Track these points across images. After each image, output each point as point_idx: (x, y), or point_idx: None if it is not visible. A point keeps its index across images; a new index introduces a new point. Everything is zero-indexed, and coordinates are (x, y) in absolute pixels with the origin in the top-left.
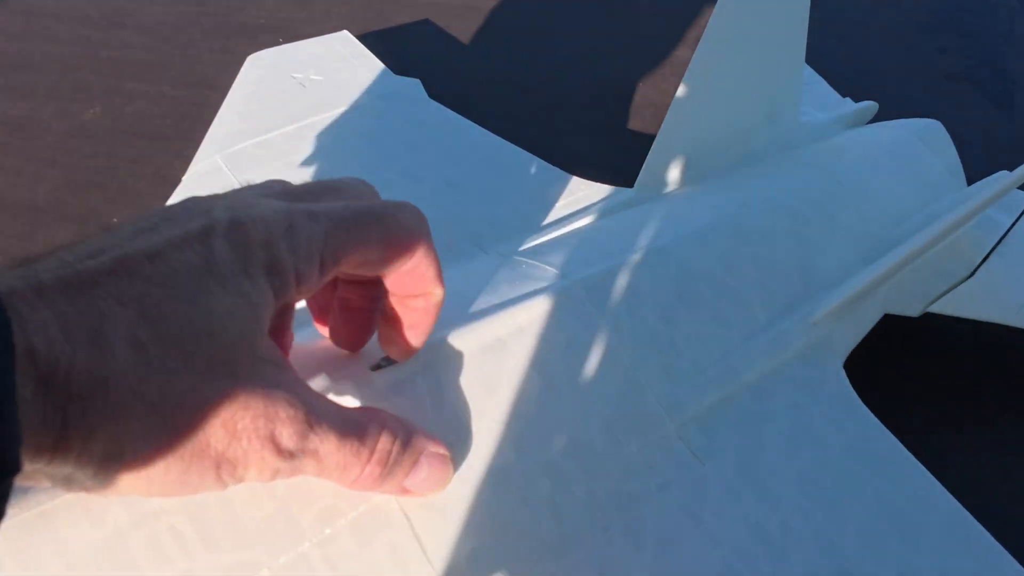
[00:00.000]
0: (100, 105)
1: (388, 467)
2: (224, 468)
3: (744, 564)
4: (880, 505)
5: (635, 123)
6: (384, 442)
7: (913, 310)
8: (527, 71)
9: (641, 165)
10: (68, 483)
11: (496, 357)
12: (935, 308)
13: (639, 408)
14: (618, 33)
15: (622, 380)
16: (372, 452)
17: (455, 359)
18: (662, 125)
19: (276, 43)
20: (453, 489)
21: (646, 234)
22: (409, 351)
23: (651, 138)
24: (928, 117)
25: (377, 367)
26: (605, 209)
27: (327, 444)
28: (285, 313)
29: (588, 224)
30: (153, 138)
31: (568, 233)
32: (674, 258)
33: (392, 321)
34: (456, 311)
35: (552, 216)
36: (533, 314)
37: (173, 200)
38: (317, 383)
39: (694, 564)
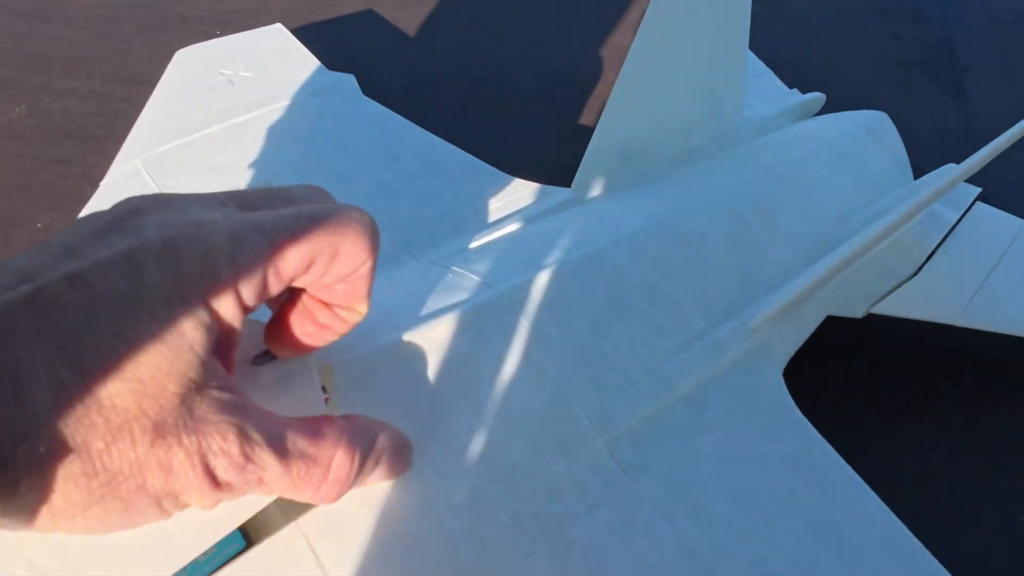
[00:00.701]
0: (27, 103)
1: (348, 484)
2: (166, 501)
3: None
4: (815, 521)
5: (585, 117)
6: (341, 462)
7: (856, 311)
8: (472, 64)
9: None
10: None
11: (413, 375)
12: (879, 309)
13: (567, 425)
14: (568, 22)
15: (549, 396)
16: (327, 471)
17: (368, 376)
18: (599, 122)
19: (213, 35)
20: (366, 517)
21: (578, 239)
22: (300, 352)
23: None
24: (878, 106)
25: (260, 360)
26: (541, 211)
27: (270, 471)
28: (231, 332)
29: (521, 228)
30: (82, 138)
31: (499, 238)
32: (607, 264)
33: (296, 321)
34: (374, 324)
35: (488, 218)
36: (453, 328)
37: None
38: None
39: None
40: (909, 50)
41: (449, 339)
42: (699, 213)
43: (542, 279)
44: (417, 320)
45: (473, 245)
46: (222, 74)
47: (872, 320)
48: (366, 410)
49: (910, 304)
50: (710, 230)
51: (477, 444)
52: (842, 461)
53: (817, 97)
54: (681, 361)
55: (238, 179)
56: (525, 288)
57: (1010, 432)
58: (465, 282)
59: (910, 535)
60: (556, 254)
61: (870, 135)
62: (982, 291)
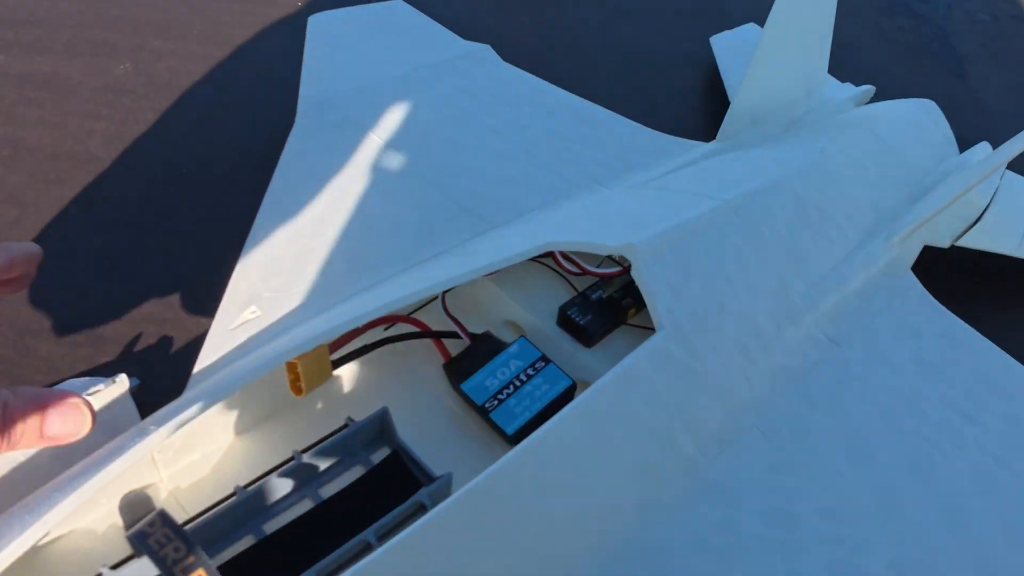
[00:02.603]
0: (129, 61)
1: None
2: None
3: (888, 416)
4: (975, 368)
5: (671, 83)
6: None
7: (944, 243)
8: (560, 37)
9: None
10: None
11: (686, 254)
12: (960, 242)
13: (787, 303)
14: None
15: (775, 281)
16: None
17: (668, 248)
18: (737, 94)
19: (295, 6)
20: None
21: (752, 172)
22: None
23: (682, 98)
24: (901, 86)
25: None
26: (700, 155)
27: None
28: None
29: (693, 165)
30: (194, 96)
31: (680, 171)
32: (787, 190)
33: None
34: (639, 217)
35: (651, 161)
36: (707, 224)
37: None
38: None
39: (855, 417)
40: (913, 41)
41: (702, 233)
42: (836, 158)
43: (745, 197)
44: (677, 225)
45: (661, 176)
46: (368, 38)
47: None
48: (669, 271)
49: (980, 239)
50: (846, 172)
51: (737, 309)
52: (977, 333)
53: (869, 89)
54: (849, 264)
55: (412, 127)
56: (738, 201)
57: None
58: (681, 196)
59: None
60: (743, 181)
61: (926, 115)
62: None
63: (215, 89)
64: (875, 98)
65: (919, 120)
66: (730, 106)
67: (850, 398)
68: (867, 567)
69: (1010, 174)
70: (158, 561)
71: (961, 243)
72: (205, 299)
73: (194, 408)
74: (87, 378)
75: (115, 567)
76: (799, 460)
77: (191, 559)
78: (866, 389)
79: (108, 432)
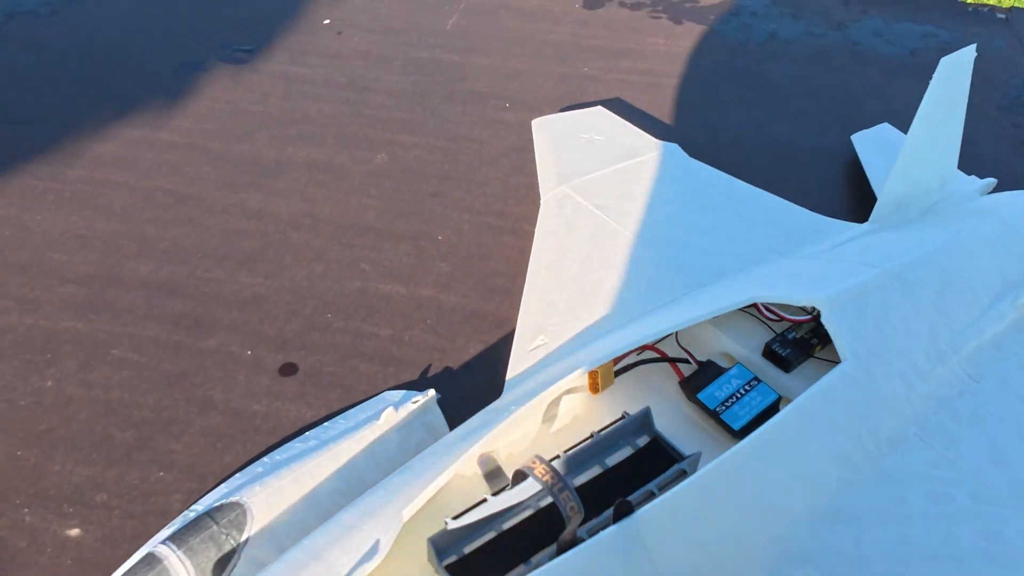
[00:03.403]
0: (384, 152)
1: None
2: None
3: (1018, 430)
4: None
5: (819, 172)
6: None
7: None
8: (724, 134)
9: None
10: None
11: (861, 306)
12: None
13: (936, 347)
14: (763, 107)
15: (927, 330)
16: None
17: (863, 299)
18: (886, 184)
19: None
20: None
21: (905, 247)
22: None
23: (829, 185)
24: (1014, 177)
25: None
26: (859, 234)
27: None
28: None
29: (855, 240)
30: (442, 178)
31: (845, 245)
32: (935, 261)
33: None
34: (821, 276)
35: (817, 237)
36: (876, 284)
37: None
38: None
39: (991, 431)
40: None
41: (871, 290)
42: (972, 238)
43: (902, 266)
44: (848, 281)
45: (826, 250)
46: (581, 136)
47: None
48: (850, 318)
49: None
50: (979, 249)
51: (901, 350)
52: None
53: (991, 181)
54: (983, 319)
55: (632, 208)
56: (896, 269)
57: None
58: (851, 265)
59: None
60: (899, 254)
61: None
62: None
63: (450, 167)
64: (997, 188)
65: None
66: (880, 195)
67: (988, 418)
68: (1005, 534)
69: None
70: (541, 483)
71: None
72: (471, 336)
73: (523, 406)
74: (402, 391)
75: (497, 493)
76: (951, 459)
77: (561, 484)
78: (1000, 412)
79: (425, 431)
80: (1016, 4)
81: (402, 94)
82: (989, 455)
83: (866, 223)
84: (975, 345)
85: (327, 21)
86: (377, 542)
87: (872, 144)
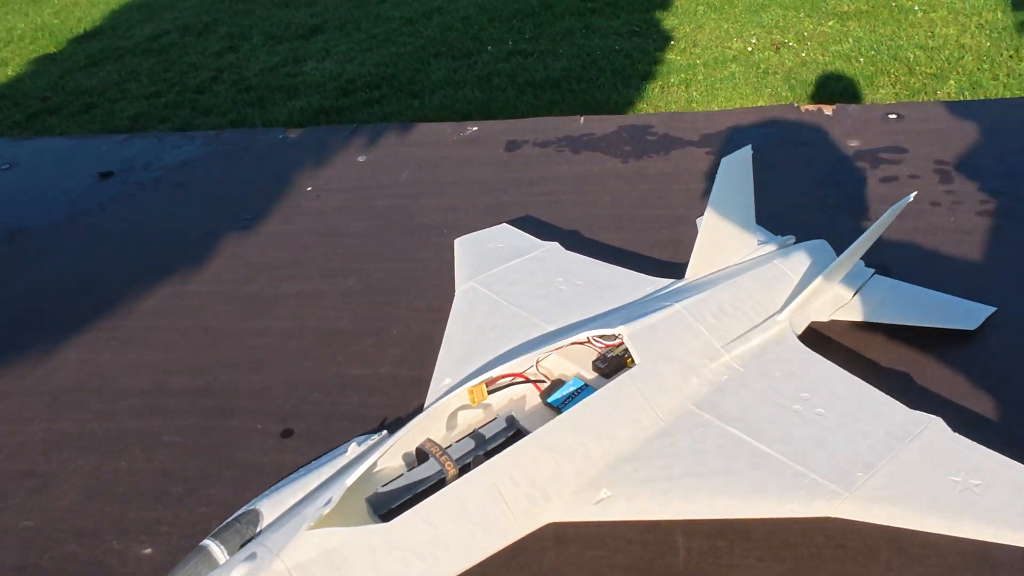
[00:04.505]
0: (353, 277)
1: None
2: None
3: (766, 396)
4: (816, 377)
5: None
6: None
7: (823, 318)
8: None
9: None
10: None
11: (652, 331)
12: (836, 316)
13: (711, 349)
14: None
15: (703, 340)
16: None
17: (652, 333)
18: (693, 252)
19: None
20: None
21: (699, 290)
22: None
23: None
24: (821, 234)
25: None
26: (670, 287)
27: None
28: None
29: (668, 290)
30: (395, 290)
31: (661, 294)
32: (712, 298)
33: None
34: (631, 311)
35: (641, 289)
36: (666, 316)
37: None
38: None
39: (746, 397)
40: (839, 202)
41: (665, 320)
42: (747, 280)
43: (690, 302)
44: (648, 317)
45: (645, 299)
46: (487, 246)
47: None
48: (663, 352)
49: (847, 312)
50: (754, 285)
51: (683, 353)
52: (833, 364)
53: (789, 238)
54: (752, 332)
55: (518, 291)
56: (684, 303)
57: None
58: (656, 306)
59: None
60: (689, 296)
61: (819, 248)
62: (879, 306)
63: (401, 281)
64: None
65: (813, 252)
66: (691, 259)
67: (743, 391)
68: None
69: (878, 276)
70: (429, 453)
71: (835, 317)
72: (415, 393)
73: (426, 413)
74: (366, 434)
75: (410, 470)
76: (710, 419)
77: (441, 451)
78: (754, 387)
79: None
80: (841, 102)
81: (367, 234)
82: (740, 414)
83: (682, 279)
84: (743, 349)
85: (309, 188)
86: (330, 498)
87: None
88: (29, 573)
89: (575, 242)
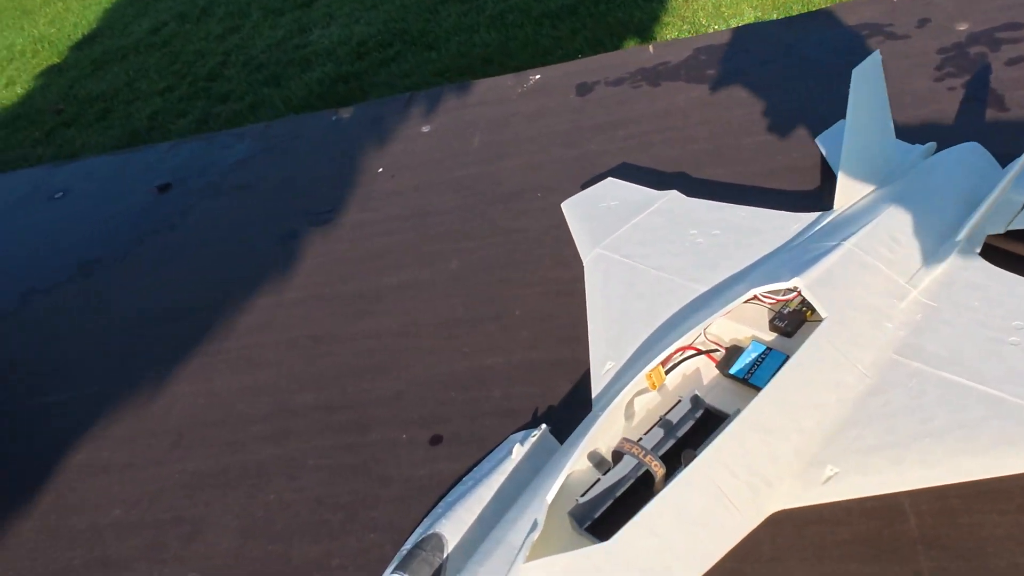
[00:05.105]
0: (455, 259)
1: None
2: None
3: (968, 328)
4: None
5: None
6: None
7: (1000, 229)
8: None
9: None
10: None
11: (829, 276)
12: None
13: (896, 287)
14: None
15: (883, 277)
16: None
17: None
18: (839, 174)
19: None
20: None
21: (862, 221)
22: None
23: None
24: (954, 129)
25: None
26: (824, 221)
27: None
28: None
29: (825, 226)
30: (504, 266)
31: (818, 231)
32: (883, 225)
33: None
34: (803, 255)
35: (798, 233)
36: (838, 258)
37: None
38: None
39: (947, 331)
40: (960, 94)
41: (838, 263)
42: (910, 198)
43: (859, 236)
44: (818, 261)
45: (803, 240)
46: (600, 206)
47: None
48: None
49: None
50: (920, 205)
51: (869, 295)
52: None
53: (931, 145)
54: (931, 259)
55: (651, 251)
56: (855, 240)
57: None
58: (820, 246)
59: None
60: (854, 229)
61: (972, 153)
62: None
63: (507, 256)
64: (939, 148)
65: (966, 159)
66: (838, 183)
67: (944, 328)
68: (967, 406)
69: None
70: (631, 455)
71: (1013, 226)
72: (559, 378)
73: (608, 410)
74: (522, 432)
75: (605, 473)
76: (918, 367)
77: (644, 451)
78: (954, 322)
79: (546, 455)
80: None
81: (454, 209)
82: (951, 356)
83: (832, 210)
84: (929, 280)
85: (380, 169)
86: (535, 521)
87: (833, 140)
88: None
89: (684, 185)
